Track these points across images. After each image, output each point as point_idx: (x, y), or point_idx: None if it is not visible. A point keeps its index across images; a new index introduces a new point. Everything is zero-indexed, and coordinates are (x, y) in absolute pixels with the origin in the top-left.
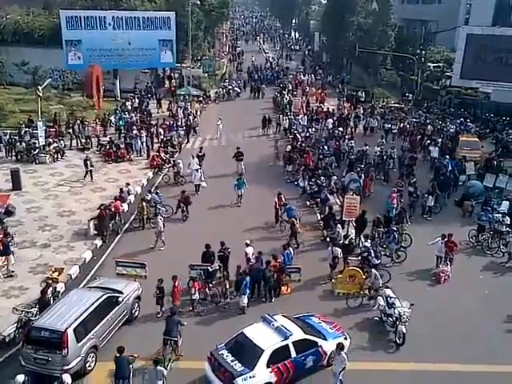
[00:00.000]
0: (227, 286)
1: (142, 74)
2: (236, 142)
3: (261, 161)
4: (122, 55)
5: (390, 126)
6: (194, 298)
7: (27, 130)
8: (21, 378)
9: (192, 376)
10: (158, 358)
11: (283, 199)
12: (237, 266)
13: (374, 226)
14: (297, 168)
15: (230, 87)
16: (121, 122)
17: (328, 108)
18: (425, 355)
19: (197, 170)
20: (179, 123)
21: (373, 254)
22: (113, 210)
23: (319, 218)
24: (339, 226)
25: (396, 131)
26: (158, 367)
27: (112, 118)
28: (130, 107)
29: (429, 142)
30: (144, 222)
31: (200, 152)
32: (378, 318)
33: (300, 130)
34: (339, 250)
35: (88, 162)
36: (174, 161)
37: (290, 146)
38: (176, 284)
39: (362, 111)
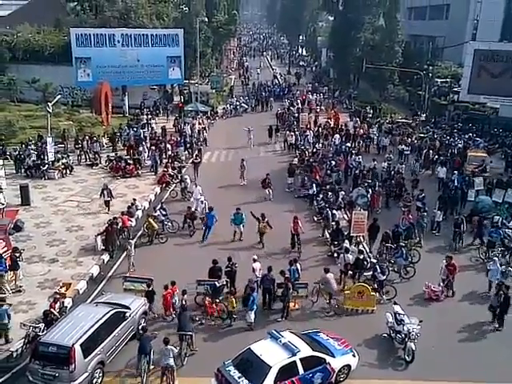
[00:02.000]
0: (234, 304)
1: (150, 91)
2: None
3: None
4: (130, 72)
5: (403, 147)
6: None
7: (30, 146)
8: None
9: None
10: (167, 338)
11: (300, 224)
12: (248, 280)
13: (383, 241)
14: (301, 180)
15: (238, 103)
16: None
17: (339, 125)
18: (435, 373)
19: (201, 201)
20: (187, 139)
21: (379, 270)
22: (120, 224)
23: (322, 234)
24: (346, 241)
25: (409, 153)
26: (169, 346)
27: (126, 132)
28: (145, 120)
29: (437, 157)
30: (152, 238)
31: (196, 159)
32: (387, 335)
33: (307, 146)
34: (351, 257)
35: (106, 192)
36: (181, 176)
37: (296, 159)
38: (165, 293)
39: (375, 131)
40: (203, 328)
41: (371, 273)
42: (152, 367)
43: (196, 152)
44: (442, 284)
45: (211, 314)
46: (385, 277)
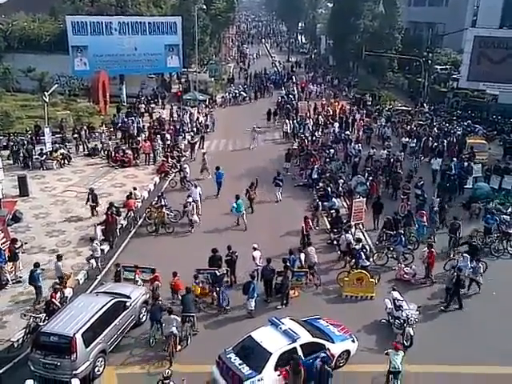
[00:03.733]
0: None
1: (148, 79)
2: (245, 147)
3: (268, 166)
4: (128, 60)
5: (407, 139)
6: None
7: (22, 138)
8: (30, 383)
9: (200, 379)
10: (171, 308)
11: (311, 224)
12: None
13: (384, 227)
14: (300, 168)
15: (237, 91)
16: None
17: (339, 113)
18: (432, 357)
19: (195, 185)
20: (185, 128)
21: (363, 256)
22: (125, 208)
23: (317, 225)
24: (348, 234)
25: (415, 145)
26: (172, 315)
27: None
28: (142, 109)
29: (435, 144)
30: (158, 228)
31: (192, 140)
32: (386, 321)
33: (307, 135)
34: (351, 237)
35: (91, 197)
36: (180, 166)
37: (295, 145)
38: (176, 279)
39: (383, 122)
40: (204, 316)
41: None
42: (160, 336)
43: (196, 139)
44: (413, 267)
45: (212, 302)
46: (369, 263)
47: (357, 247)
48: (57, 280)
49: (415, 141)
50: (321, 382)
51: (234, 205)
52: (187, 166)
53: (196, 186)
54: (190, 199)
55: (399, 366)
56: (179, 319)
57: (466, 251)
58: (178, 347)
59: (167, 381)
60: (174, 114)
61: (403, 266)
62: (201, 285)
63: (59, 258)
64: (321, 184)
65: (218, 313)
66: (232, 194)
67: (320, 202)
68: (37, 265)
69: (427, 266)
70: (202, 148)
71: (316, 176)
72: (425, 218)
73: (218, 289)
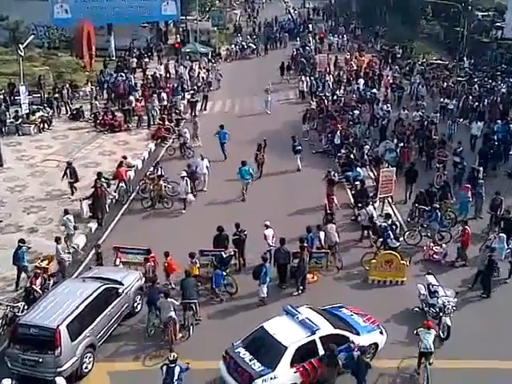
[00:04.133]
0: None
1: (140, 30)
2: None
3: (282, 130)
4: (117, 7)
5: (446, 100)
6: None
7: None
8: (7, 382)
9: (205, 378)
10: (168, 290)
11: (336, 201)
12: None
13: (416, 202)
14: (317, 129)
15: (244, 43)
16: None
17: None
18: (473, 351)
19: (182, 177)
20: (185, 86)
21: (391, 236)
22: (115, 180)
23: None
24: (370, 207)
25: (453, 107)
26: (169, 299)
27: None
28: (134, 64)
29: (476, 104)
30: (155, 202)
31: (192, 98)
32: (419, 309)
33: (327, 94)
34: (373, 210)
35: (69, 171)
36: (179, 130)
37: (314, 104)
38: (169, 259)
39: (417, 79)
40: (208, 304)
41: (381, 240)
42: (158, 323)
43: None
44: (443, 246)
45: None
46: (398, 244)
47: (384, 225)
48: (37, 264)
49: (454, 101)
50: (358, 374)
51: (238, 171)
52: (187, 131)
53: (203, 158)
54: (184, 173)
55: (431, 345)
56: (177, 302)
57: (502, 229)
58: (179, 335)
59: (173, 364)
60: (171, 69)
61: (432, 244)
62: (198, 264)
63: (58, 240)
64: (343, 151)
65: (223, 300)
66: (239, 161)
67: (339, 173)
68: (22, 241)
69: (460, 245)
70: (205, 109)
71: (338, 141)
72: (470, 192)
73: (223, 273)
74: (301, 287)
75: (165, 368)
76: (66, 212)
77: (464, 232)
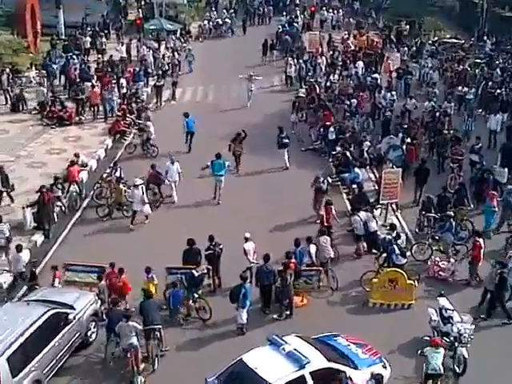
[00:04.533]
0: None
1: (94, 3)
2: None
3: (265, 122)
4: None
5: (464, 89)
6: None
7: None
8: None
9: None
10: (128, 312)
11: (334, 213)
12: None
13: (424, 210)
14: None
15: (219, 19)
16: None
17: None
18: None
19: (136, 186)
20: (149, 70)
21: (397, 251)
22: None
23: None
24: (363, 213)
25: (472, 98)
26: (130, 322)
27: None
28: (88, 44)
29: (498, 91)
30: (113, 210)
31: (158, 81)
32: (430, 338)
33: (319, 79)
34: (365, 215)
35: (1, 178)
36: (140, 124)
37: (302, 91)
38: (123, 277)
39: (429, 63)
40: (178, 331)
41: (384, 256)
42: (120, 352)
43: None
44: (452, 262)
45: (188, 314)
46: (405, 260)
47: (388, 237)
48: None
49: (473, 90)
50: None
51: (209, 163)
52: (151, 124)
53: (173, 162)
54: (139, 181)
55: (440, 367)
56: (140, 327)
57: None
58: (142, 365)
59: None
60: (132, 50)
61: (438, 259)
62: (155, 281)
63: (19, 248)
64: (338, 148)
65: (182, 324)
66: (211, 156)
67: (332, 176)
68: (20, 248)
69: (471, 260)
70: (173, 99)
71: (334, 136)
72: (495, 200)
73: (195, 295)
74: (286, 312)
75: None
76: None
77: (475, 245)
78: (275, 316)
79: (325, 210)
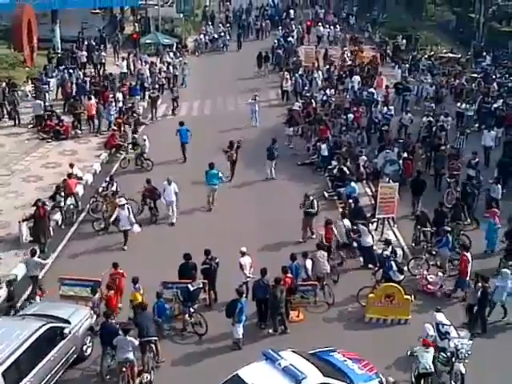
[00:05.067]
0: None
1: (91, 17)
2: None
3: (261, 137)
4: None
5: (464, 105)
6: None
7: None
8: None
9: None
10: (127, 327)
11: (335, 231)
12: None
13: (419, 224)
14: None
15: (215, 34)
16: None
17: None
18: None
19: (122, 206)
20: (145, 84)
21: (394, 268)
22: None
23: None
24: (346, 220)
25: (472, 114)
26: (128, 337)
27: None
28: (84, 58)
29: (495, 106)
30: (109, 224)
31: (153, 93)
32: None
33: (316, 94)
34: (347, 223)
35: None
36: (134, 138)
37: (297, 105)
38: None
39: (428, 79)
40: (172, 347)
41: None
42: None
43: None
44: (439, 275)
45: (184, 328)
46: (403, 277)
47: (386, 253)
48: None
49: (474, 107)
50: None
51: (206, 175)
52: (146, 138)
53: (170, 182)
54: (123, 200)
55: (430, 365)
56: (136, 342)
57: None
58: (137, 380)
59: None
60: (135, 65)
61: (426, 272)
62: (141, 291)
63: (33, 253)
64: (334, 163)
65: (165, 336)
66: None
67: (329, 190)
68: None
69: (458, 275)
70: (173, 113)
71: (326, 153)
72: (497, 218)
73: (191, 309)
74: (281, 327)
75: None
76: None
77: (462, 259)
78: (270, 331)
79: (325, 229)
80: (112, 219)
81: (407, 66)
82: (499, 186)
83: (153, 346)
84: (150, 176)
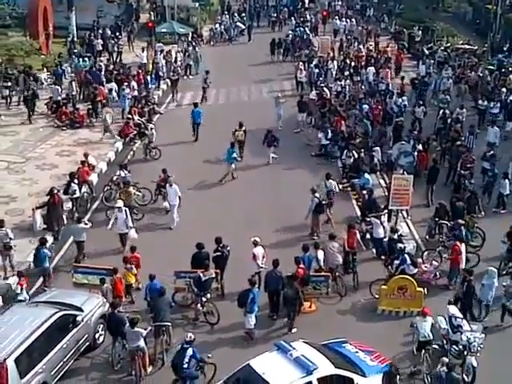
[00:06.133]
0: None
1: (106, 5)
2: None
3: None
4: None
5: (485, 103)
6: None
7: None
8: None
9: None
10: (134, 318)
11: (358, 236)
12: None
13: (437, 216)
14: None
15: (231, 22)
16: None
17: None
18: None
19: (119, 208)
20: (160, 73)
21: (408, 261)
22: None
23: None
24: (381, 219)
25: (498, 112)
26: (136, 328)
27: (66, 67)
28: (100, 47)
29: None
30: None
31: (173, 75)
32: (439, 346)
33: (331, 84)
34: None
35: None
36: (144, 126)
37: (312, 94)
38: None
39: (449, 73)
40: (184, 335)
41: (396, 263)
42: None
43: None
44: (433, 264)
45: (196, 318)
46: (416, 270)
47: (400, 245)
48: None
49: (499, 104)
50: None
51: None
52: (153, 127)
53: (171, 184)
54: (120, 203)
55: (429, 333)
56: (145, 332)
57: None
58: (149, 368)
59: (187, 346)
60: (158, 56)
61: (421, 261)
62: (134, 271)
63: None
64: (348, 154)
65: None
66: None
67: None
68: (43, 241)
69: (450, 265)
70: (205, 99)
71: (324, 141)
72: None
73: (203, 299)
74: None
75: (179, 347)
76: (1, 224)
77: (454, 249)
78: (286, 320)
79: (347, 233)
80: (110, 224)
81: (432, 61)
82: (507, 181)
83: (164, 330)
84: (163, 164)
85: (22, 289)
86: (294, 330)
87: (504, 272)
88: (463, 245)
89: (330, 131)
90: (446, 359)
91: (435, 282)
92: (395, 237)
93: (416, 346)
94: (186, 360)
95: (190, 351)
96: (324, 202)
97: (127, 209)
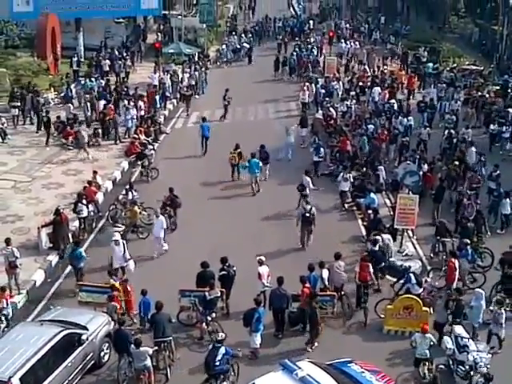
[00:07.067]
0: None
1: (114, 26)
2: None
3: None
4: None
5: (495, 127)
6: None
7: None
8: None
9: None
10: (138, 339)
11: (371, 270)
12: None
13: (438, 234)
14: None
15: (238, 43)
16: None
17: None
18: None
19: (116, 241)
20: (167, 93)
21: (413, 281)
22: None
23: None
24: (387, 236)
25: (509, 136)
26: (142, 348)
27: (73, 88)
28: (107, 67)
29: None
30: (128, 231)
31: (187, 90)
32: (445, 366)
33: (337, 104)
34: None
35: None
36: (144, 147)
37: (319, 114)
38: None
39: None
40: (190, 355)
41: (402, 282)
42: (132, 372)
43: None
44: (428, 280)
45: (201, 337)
46: (422, 289)
47: (405, 265)
48: None
49: (510, 129)
50: None
51: (246, 164)
52: (152, 147)
53: (158, 215)
54: (117, 236)
55: (426, 352)
56: (151, 351)
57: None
58: None
59: (219, 344)
60: (164, 76)
61: (426, 279)
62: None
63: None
64: (353, 173)
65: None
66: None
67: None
68: (78, 241)
69: (445, 281)
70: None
71: (316, 159)
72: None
73: (208, 317)
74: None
75: (210, 346)
76: (8, 242)
77: (449, 266)
78: (308, 349)
79: (360, 266)
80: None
81: (444, 85)
82: (508, 200)
83: (168, 345)
84: (169, 181)
85: (7, 303)
86: (313, 347)
87: (494, 299)
88: (457, 261)
89: (322, 149)
90: None
91: (430, 300)
92: (381, 244)
93: (413, 361)
94: (219, 358)
95: (222, 349)
96: (307, 215)
97: (124, 241)
